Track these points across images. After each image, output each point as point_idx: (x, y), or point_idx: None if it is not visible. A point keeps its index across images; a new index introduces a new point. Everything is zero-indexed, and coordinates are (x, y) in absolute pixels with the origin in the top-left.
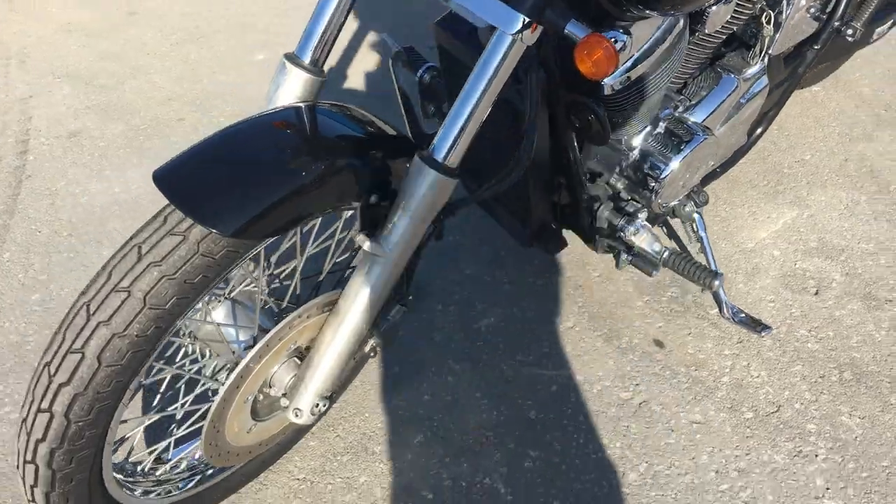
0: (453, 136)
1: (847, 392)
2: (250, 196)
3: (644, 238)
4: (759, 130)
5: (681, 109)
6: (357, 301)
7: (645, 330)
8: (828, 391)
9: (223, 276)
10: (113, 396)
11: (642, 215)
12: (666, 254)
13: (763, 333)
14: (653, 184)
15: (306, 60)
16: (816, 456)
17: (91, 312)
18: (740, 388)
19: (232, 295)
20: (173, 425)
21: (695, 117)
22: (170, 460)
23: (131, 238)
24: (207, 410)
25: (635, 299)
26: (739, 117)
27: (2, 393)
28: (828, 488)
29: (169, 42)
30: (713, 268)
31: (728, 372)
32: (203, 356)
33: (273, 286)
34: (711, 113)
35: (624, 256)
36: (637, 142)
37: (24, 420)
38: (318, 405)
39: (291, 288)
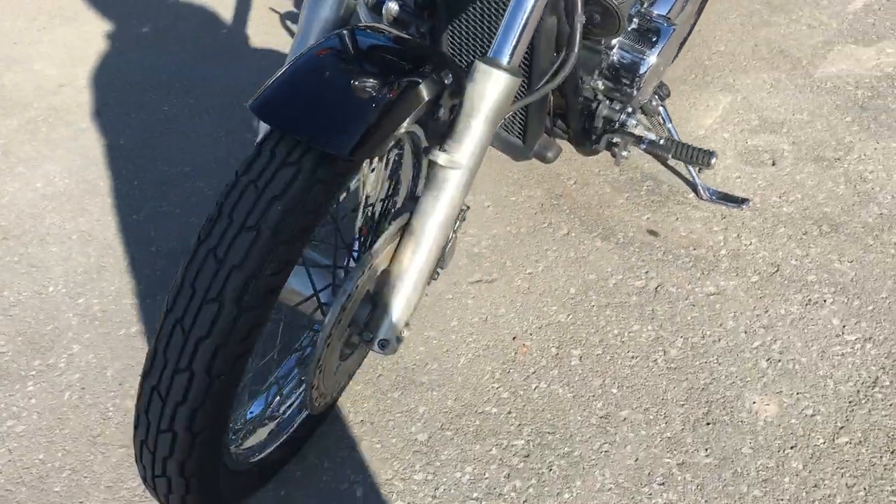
0: (513, 35)
1: (831, 242)
2: (354, 117)
3: (641, 129)
4: (693, 21)
5: (646, 5)
6: (434, 217)
7: (636, 223)
8: (814, 244)
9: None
10: (250, 345)
11: (630, 110)
12: (663, 141)
13: (743, 206)
14: (635, 80)
15: None
16: (825, 301)
17: (220, 258)
18: (738, 256)
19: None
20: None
21: (658, 10)
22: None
23: (242, 175)
24: (307, 360)
25: (616, 198)
26: (692, 5)
27: None
28: (844, 325)
29: (35, 27)
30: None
31: (723, 245)
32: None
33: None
34: (673, 5)
35: (625, 153)
36: (615, 41)
37: (156, 387)
38: (402, 333)
39: (359, 226)
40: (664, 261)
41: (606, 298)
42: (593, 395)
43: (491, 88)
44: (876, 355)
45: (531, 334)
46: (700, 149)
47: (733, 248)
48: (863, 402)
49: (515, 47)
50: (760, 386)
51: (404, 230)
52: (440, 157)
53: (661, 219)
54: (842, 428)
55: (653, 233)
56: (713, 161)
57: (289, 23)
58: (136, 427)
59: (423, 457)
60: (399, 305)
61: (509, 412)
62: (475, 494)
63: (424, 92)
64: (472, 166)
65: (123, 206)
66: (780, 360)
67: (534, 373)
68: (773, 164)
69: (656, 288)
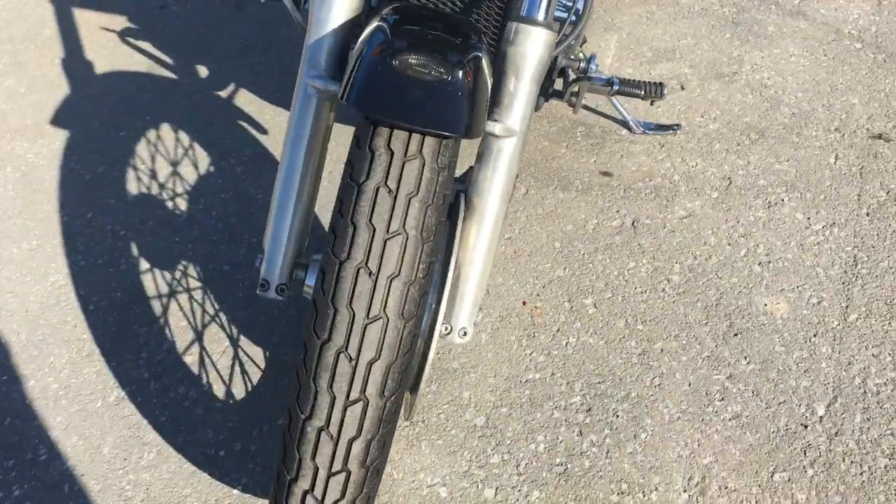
0: None
1: (763, 147)
2: (454, 97)
3: (599, 72)
4: None
5: None
6: (494, 191)
7: (586, 168)
8: (751, 152)
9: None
10: (410, 358)
11: (587, 55)
12: (617, 81)
13: (676, 131)
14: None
15: None
16: (783, 200)
17: (373, 272)
18: (692, 178)
19: None
20: None
21: None
22: None
23: (365, 180)
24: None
25: (557, 149)
26: None
27: None
28: (808, 218)
29: None
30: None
31: (674, 171)
32: None
33: None
34: None
35: (583, 99)
36: None
37: (324, 428)
38: (476, 318)
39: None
40: (628, 197)
41: (592, 244)
42: (623, 337)
43: (532, 47)
44: (845, 237)
45: (538, 295)
46: (650, 82)
47: (684, 172)
48: (853, 280)
49: (549, 1)
50: (764, 288)
51: (463, 211)
52: (496, 128)
53: (608, 159)
54: (847, 307)
55: (606, 174)
56: (665, 91)
57: (130, 39)
58: (293, 481)
59: (491, 439)
60: (472, 289)
61: (552, 374)
62: (558, 460)
63: (485, 63)
64: (524, 131)
65: (33, 271)
66: (769, 262)
67: (558, 330)
68: (682, 88)
69: (633, 223)
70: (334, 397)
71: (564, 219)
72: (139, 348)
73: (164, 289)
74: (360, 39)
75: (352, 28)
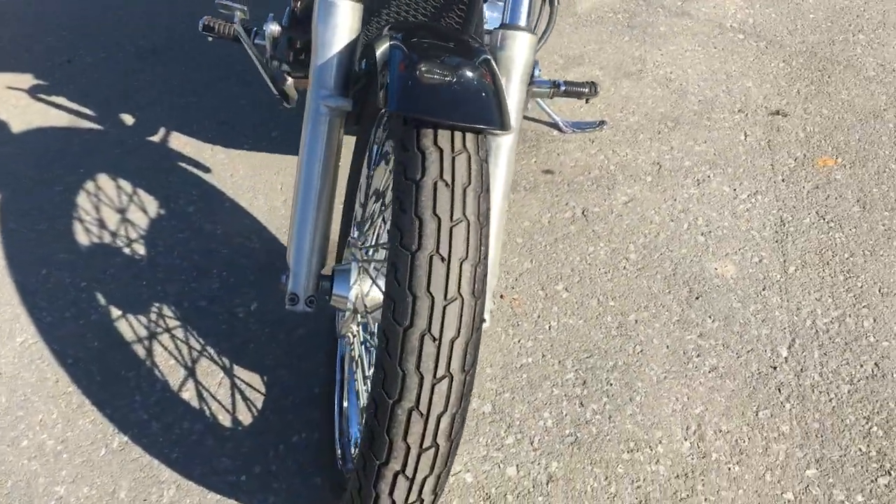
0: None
1: (681, 132)
2: (484, 95)
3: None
4: None
5: None
6: (496, 185)
7: (529, 169)
8: (671, 138)
9: None
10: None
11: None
12: (557, 83)
13: (602, 127)
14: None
15: None
16: (709, 176)
17: (445, 256)
18: (626, 167)
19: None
20: None
21: None
22: None
23: (422, 177)
24: None
25: None
26: None
27: None
28: (734, 189)
29: None
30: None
31: (608, 162)
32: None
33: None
34: None
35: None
36: None
37: (415, 407)
38: (492, 303)
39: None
40: (572, 190)
41: (551, 235)
42: (598, 314)
43: (519, 50)
44: (769, 202)
45: (513, 287)
46: (585, 82)
47: (617, 162)
48: (784, 237)
49: (529, 7)
50: (711, 255)
51: None
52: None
53: (546, 158)
54: (785, 261)
55: (548, 171)
56: (599, 89)
57: (41, 95)
58: (384, 464)
59: (501, 423)
60: (492, 278)
61: (543, 356)
62: (567, 431)
63: (494, 65)
64: (518, 128)
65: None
66: (710, 231)
67: (539, 316)
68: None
69: (583, 213)
70: (422, 377)
71: (520, 216)
72: (131, 392)
73: (143, 332)
74: (377, 55)
75: (353, 48)
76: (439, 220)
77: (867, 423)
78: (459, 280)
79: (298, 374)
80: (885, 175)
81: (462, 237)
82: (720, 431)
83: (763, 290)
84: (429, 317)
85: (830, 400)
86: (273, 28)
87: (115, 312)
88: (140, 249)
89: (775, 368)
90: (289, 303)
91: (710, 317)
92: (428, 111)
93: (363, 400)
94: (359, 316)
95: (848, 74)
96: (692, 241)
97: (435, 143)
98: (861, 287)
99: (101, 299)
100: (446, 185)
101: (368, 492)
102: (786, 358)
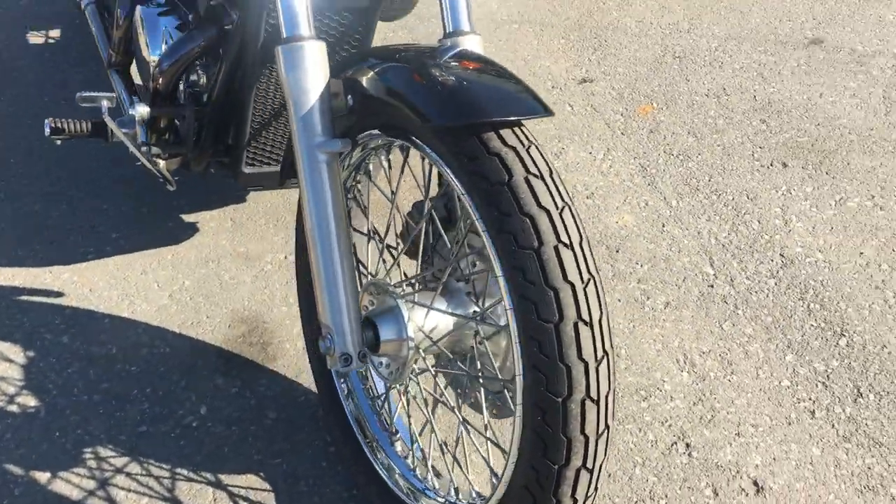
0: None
1: None
2: (518, 85)
3: None
4: None
5: None
6: None
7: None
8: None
9: None
10: None
11: None
12: None
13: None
14: None
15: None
16: (565, 148)
17: (567, 242)
18: None
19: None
20: None
21: None
22: None
23: (509, 179)
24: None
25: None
26: None
27: None
28: (591, 153)
29: None
30: None
31: None
32: None
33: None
34: None
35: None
36: None
37: (587, 396)
38: None
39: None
40: None
41: None
42: None
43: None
44: (622, 155)
45: None
46: None
47: None
48: (653, 179)
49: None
50: (605, 212)
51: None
52: None
53: None
54: (665, 197)
55: None
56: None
57: None
58: (564, 466)
59: None
60: None
61: None
62: None
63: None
64: None
65: None
66: (593, 193)
67: None
68: None
69: None
70: (586, 363)
71: None
72: None
73: (91, 485)
74: (368, 84)
75: (328, 88)
76: (547, 211)
77: (804, 302)
78: (602, 338)
79: (296, 456)
80: (696, 106)
81: (561, 220)
82: (704, 353)
83: (663, 226)
84: (585, 382)
85: (767, 295)
86: (141, 110)
87: (42, 478)
88: (30, 401)
89: (712, 286)
90: (341, 364)
91: (637, 263)
92: (478, 114)
93: (422, 442)
94: (419, 353)
95: (618, 35)
96: (584, 206)
97: (503, 142)
98: (732, 198)
99: (16, 470)
100: (535, 177)
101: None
102: (714, 275)
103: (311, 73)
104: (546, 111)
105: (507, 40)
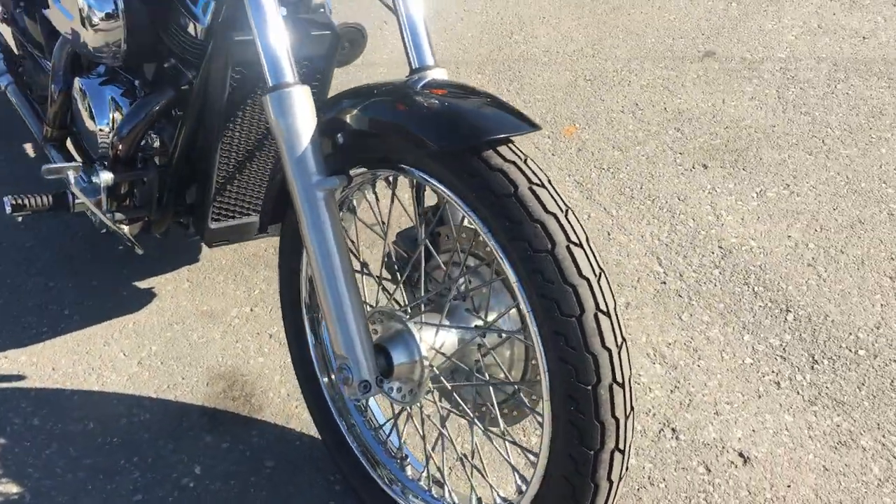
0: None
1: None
2: (505, 104)
3: None
4: None
5: None
6: None
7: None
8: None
9: None
10: None
11: None
12: None
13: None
14: None
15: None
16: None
17: (621, 381)
18: None
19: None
20: None
21: None
22: None
23: (513, 193)
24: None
25: None
26: None
27: None
28: None
29: None
30: None
31: None
32: None
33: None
34: None
35: None
36: None
37: (616, 449)
38: None
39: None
40: None
41: None
42: None
43: None
44: (552, 175)
45: None
46: None
47: None
48: (590, 192)
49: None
50: None
51: None
52: None
53: None
54: (602, 205)
55: None
56: None
57: None
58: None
59: None
60: None
61: None
62: None
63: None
64: None
65: None
66: None
67: None
68: None
69: None
70: (610, 350)
71: None
72: None
73: None
74: (354, 120)
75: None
76: (588, 280)
77: (748, 286)
78: (619, 325)
79: (302, 497)
80: (615, 122)
81: (606, 286)
82: (670, 344)
83: (609, 234)
84: (611, 368)
85: (714, 284)
86: (106, 177)
87: None
88: (12, 488)
89: (665, 283)
90: (361, 393)
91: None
92: (476, 134)
93: (437, 459)
94: (433, 370)
95: (530, 65)
96: None
97: (503, 158)
98: (666, 202)
99: None
100: (539, 185)
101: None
102: (664, 272)
103: (300, 116)
104: (534, 126)
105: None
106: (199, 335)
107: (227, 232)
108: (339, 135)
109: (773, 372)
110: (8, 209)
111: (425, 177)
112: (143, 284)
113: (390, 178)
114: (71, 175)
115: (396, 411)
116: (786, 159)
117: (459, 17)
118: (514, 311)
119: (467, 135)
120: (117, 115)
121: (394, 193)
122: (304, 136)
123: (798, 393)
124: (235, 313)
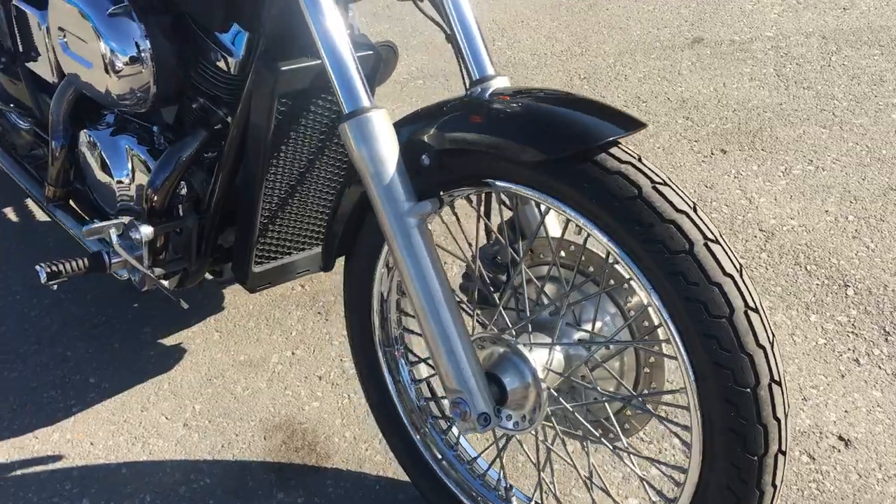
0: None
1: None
2: (598, 104)
3: None
4: None
5: None
6: None
7: None
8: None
9: None
10: None
11: None
12: None
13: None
14: None
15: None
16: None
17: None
18: None
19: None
20: None
21: None
22: None
23: (636, 195)
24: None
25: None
26: None
27: None
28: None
29: None
30: None
31: None
32: None
33: None
34: None
35: None
36: None
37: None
38: None
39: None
40: None
41: None
42: None
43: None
44: None
45: None
46: None
47: None
48: None
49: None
50: None
51: None
52: None
53: None
54: None
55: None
56: None
57: None
58: (763, 455)
59: None
60: None
61: None
62: None
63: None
64: None
65: None
66: None
67: None
68: None
69: None
70: (764, 348)
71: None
72: None
73: None
74: (434, 141)
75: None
76: (732, 276)
77: (800, 266)
78: (767, 320)
79: None
80: None
81: (749, 280)
82: None
83: None
84: (768, 366)
85: (766, 268)
86: (146, 231)
87: None
88: None
89: None
90: (481, 425)
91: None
92: (585, 139)
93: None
94: (551, 391)
95: (521, 69)
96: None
97: (619, 160)
98: (694, 190)
99: None
100: (655, 189)
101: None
102: None
103: (383, 141)
104: (641, 124)
105: (419, 97)
106: (242, 387)
107: (271, 274)
108: (423, 156)
109: (849, 349)
110: (43, 278)
111: (522, 189)
112: (168, 341)
113: (472, 197)
114: (113, 233)
115: (497, 442)
116: (801, 135)
117: (436, 29)
118: (617, 319)
119: (579, 140)
120: (137, 165)
121: (479, 211)
122: (389, 162)
123: (880, 367)
124: (277, 359)
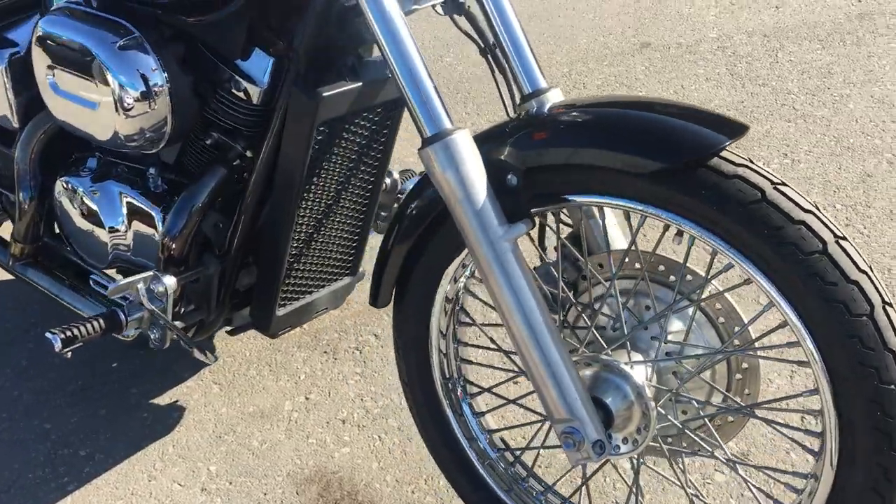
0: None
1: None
2: (695, 109)
3: None
4: None
5: None
6: None
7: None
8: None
9: None
10: None
11: None
12: None
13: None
14: None
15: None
16: None
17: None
18: None
19: None
20: None
21: None
22: None
23: (762, 199)
24: None
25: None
26: None
27: None
28: None
29: None
30: None
31: None
32: None
33: None
34: None
35: None
36: None
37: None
38: None
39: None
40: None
41: None
42: None
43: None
44: None
45: None
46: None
47: None
48: None
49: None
50: None
51: None
52: None
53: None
54: None
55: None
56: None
57: None
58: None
59: None
60: None
61: None
62: None
63: None
64: None
65: None
66: None
67: None
68: None
69: None
70: None
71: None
72: None
73: None
74: (519, 159)
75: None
76: (867, 273)
77: None
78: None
79: None
80: None
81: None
82: None
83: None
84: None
85: None
86: (169, 282)
87: None
88: None
89: None
90: (596, 454)
91: None
92: (696, 148)
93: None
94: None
95: (475, 84)
96: None
97: (734, 164)
98: None
99: None
100: (776, 191)
101: None
102: None
103: (469, 163)
104: (744, 126)
105: None
106: (259, 441)
107: (293, 316)
108: (509, 175)
109: None
110: (57, 346)
111: (619, 201)
112: (162, 400)
113: (552, 214)
114: (142, 288)
115: (583, 468)
116: (769, 130)
117: (441, 47)
118: (706, 328)
119: (695, 147)
120: (134, 211)
121: (558, 229)
122: (478, 185)
123: None
124: (290, 406)
